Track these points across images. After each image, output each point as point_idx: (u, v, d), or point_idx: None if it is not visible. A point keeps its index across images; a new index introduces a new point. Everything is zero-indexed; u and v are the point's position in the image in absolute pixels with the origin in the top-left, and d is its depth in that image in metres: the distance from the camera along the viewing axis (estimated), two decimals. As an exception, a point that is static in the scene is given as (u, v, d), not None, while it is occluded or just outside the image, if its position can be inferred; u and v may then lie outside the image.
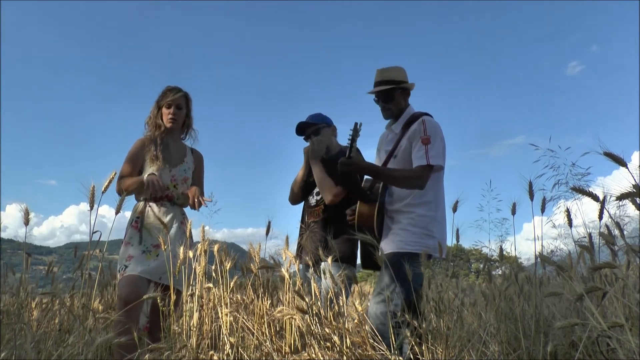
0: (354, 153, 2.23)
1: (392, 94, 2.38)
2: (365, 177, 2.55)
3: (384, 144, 2.48)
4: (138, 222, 2.43)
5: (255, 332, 2.24)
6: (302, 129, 2.90)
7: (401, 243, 2.19)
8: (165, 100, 2.52)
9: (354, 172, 2.35)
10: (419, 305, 2.06)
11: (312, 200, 2.87)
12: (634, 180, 1.26)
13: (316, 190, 2.82)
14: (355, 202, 2.39)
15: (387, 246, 2.24)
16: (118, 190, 2.40)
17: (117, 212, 2.38)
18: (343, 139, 2.95)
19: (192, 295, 2.34)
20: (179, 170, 2.53)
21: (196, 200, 2.39)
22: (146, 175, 2.35)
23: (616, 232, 1.61)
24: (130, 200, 2.54)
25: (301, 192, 2.91)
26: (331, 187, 2.64)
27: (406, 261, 2.04)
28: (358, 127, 2.25)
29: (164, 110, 2.53)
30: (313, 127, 2.84)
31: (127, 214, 2.54)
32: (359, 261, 2.52)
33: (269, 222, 2.58)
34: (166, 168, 2.48)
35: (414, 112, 2.40)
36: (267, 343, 2.22)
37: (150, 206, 2.46)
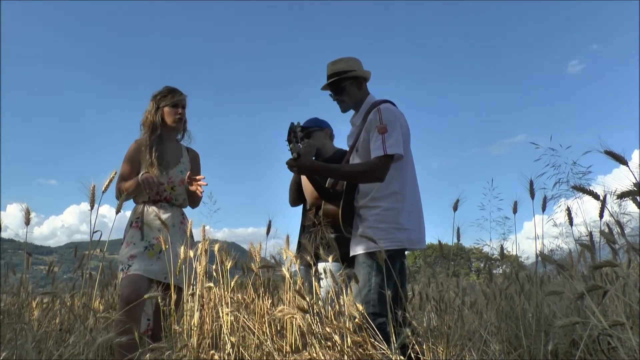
0: (299, 154, 2.14)
1: (340, 85, 2.28)
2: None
3: (348, 140, 2.40)
4: (138, 222, 2.44)
5: (256, 331, 2.24)
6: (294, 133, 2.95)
7: (370, 242, 2.06)
8: (169, 100, 2.53)
9: (303, 174, 2.29)
10: (401, 302, 2.02)
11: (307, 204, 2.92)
12: (635, 178, 1.26)
13: None
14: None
15: (357, 247, 2.16)
16: (117, 193, 2.39)
17: (117, 212, 2.38)
18: (341, 142, 2.99)
19: (192, 294, 2.34)
20: (175, 171, 2.52)
21: (194, 183, 2.41)
22: (141, 175, 2.34)
23: (617, 230, 1.61)
24: (130, 201, 2.55)
25: (297, 194, 2.96)
26: (312, 191, 2.64)
27: (376, 260, 1.97)
28: (294, 127, 2.17)
29: (169, 110, 2.53)
30: (305, 131, 2.88)
31: (128, 214, 2.55)
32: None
33: (270, 222, 2.59)
34: (163, 174, 2.46)
35: (374, 100, 2.29)
36: (268, 342, 2.22)
37: (150, 207, 2.46)
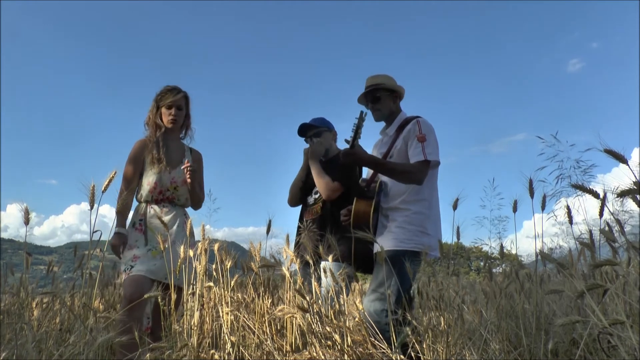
0: (356, 145, 2.23)
1: (377, 94, 2.44)
2: (361, 177, 2.56)
3: (379, 148, 2.52)
4: (142, 224, 2.45)
5: (256, 330, 2.25)
6: (304, 130, 2.96)
7: (396, 241, 2.20)
8: (165, 100, 2.53)
9: (356, 163, 2.37)
10: (412, 302, 2.06)
11: (311, 199, 2.91)
12: (635, 177, 1.26)
13: (315, 189, 2.85)
14: (351, 201, 2.39)
15: (382, 244, 2.22)
16: (120, 199, 2.40)
17: (117, 212, 2.39)
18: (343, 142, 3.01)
19: (192, 294, 2.34)
20: (178, 171, 2.53)
21: (187, 169, 2.44)
22: (113, 233, 2.35)
23: (617, 228, 1.61)
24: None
25: (300, 193, 2.94)
26: (328, 182, 2.69)
27: (404, 259, 2.06)
28: (363, 115, 2.23)
29: (164, 111, 2.54)
30: (314, 130, 2.91)
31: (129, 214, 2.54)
32: None
33: (270, 221, 2.59)
34: (166, 170, 2.48)
35: (406, 116, 2.46)
36: (268, 342, 2.22)
37: (152, 208, 2.47)
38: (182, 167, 2.47)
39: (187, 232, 2.45)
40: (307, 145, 2.93)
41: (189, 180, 2.45)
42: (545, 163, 2.23)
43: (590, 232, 1.77)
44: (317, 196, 2.85)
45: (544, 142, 2.32)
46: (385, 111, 2.47)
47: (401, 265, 2.04)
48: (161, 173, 2.47)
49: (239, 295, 2.57)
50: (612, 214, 1.62)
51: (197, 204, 2.64)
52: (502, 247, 2.28)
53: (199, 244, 2.34)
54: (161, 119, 2.54)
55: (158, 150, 2.48)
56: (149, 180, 2.47)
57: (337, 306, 2.21)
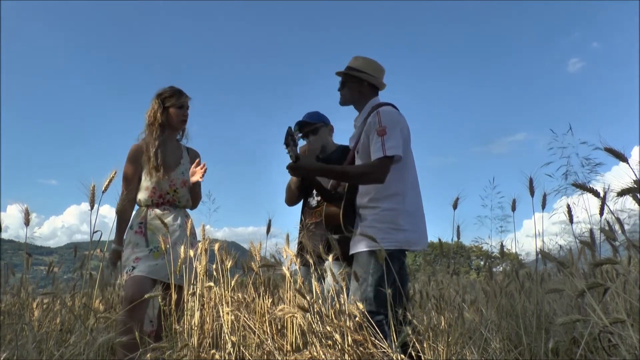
0: (299, 157, 2.17)
1: (344, 80, 2.34)
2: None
3: (350, 141, 2.43)
4: (142, 227, 2.44)
5: (256, 330, 2.25)
6: (299, 128, 2.89)
7: (367, 240, 2.08)
8: (175, 101, 2.54)
9: (305, 175, 2.31)
10: (398, 301, 2.02)
11: (313, 201, 2.85)
12: (635, 175, 1.26)
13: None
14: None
15: (355, 246, 2.19)
16: (123, 196, 2.40)
17: (117, 212, 2.39)
18: (341, 138, 2.97)
19: (193, 294, 2.34)
20: (177, 173, 2.53)
21: (198, 170, 2.50)
22: (112, 248, 2.42)
23: (617, 227, 1.61)
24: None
25: (298, 192, 2.89)
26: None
27: (374, 258, 2.01)
28: (291, 131, 2.19)
29: (175, 111, 2.54)
30: (310, 126, 2.83)
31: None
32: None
33: (270, 221, 2.58)
34: (165, 178, 2.48)
35: (376, 103, 2.31)
36: (269, 341, 2.22)
37: (153, 211, 2.47)
38: (198, 168, 2.51)
39: (188, 232, 2.45)
40: (303, 143, 2.87)
41: (201, 179, 2.50)
42: (552, 158, 2.21)
43: (591, 230, 1.77)
44: (319, 198, 2.81)
45: (555, 136, 2.29)
46: (348, 99, 2.35)
47: (376, 265, 1.99)
48: (160, 178, 2.47)
49: (240, 295, 2.56)
50: (611, 212, 1.61)
51: (195, 202, 2.67)
52: (502, 246, 2.27)
53: (199, 244, 2.34)
54: (167, 119, 2.54)
55: (156, 157, 2.47)
56: (147, 185, 2.46)
57: (337, 306, 2.21)
